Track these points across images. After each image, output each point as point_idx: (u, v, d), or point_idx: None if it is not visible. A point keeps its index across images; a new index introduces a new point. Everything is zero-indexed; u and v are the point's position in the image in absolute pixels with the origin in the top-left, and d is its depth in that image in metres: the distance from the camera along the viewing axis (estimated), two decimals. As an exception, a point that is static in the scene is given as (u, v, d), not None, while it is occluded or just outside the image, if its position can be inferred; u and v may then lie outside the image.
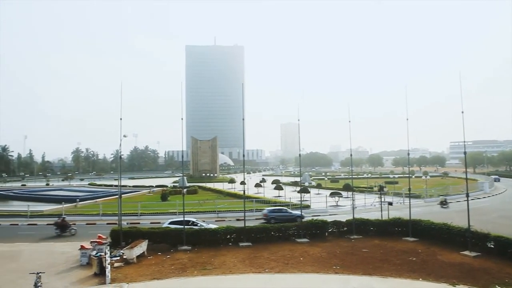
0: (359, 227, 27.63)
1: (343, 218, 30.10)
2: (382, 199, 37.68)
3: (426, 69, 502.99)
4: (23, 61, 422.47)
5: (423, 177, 74.96)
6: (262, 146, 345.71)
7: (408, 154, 31.25)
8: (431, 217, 28.80)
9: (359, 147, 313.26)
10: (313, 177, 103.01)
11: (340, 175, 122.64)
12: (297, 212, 34.14)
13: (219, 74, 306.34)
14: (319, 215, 34.28)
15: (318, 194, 56.98)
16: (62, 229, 30.70)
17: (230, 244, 25.16)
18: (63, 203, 46.19)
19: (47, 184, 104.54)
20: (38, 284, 16.51)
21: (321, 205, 44.73)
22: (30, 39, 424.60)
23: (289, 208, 38.92)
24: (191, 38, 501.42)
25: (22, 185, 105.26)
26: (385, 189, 53.75)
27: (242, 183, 45.83)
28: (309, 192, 52.47)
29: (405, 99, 27.85)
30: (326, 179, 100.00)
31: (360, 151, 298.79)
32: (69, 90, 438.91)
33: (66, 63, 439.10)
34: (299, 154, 35.20)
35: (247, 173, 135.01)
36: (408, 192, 33.98)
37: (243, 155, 36.51)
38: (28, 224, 38.19)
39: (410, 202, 30.07)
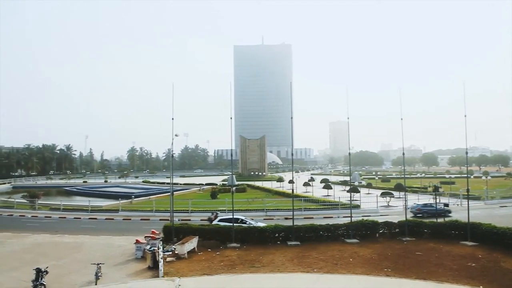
0: (412, 229, 26.47)
1: (394, 219, 29.05)
2: (437, 200, 35.89)
3: (484, 60, 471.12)
4: (81, 69, 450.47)
5: (484, 178, 70.27)
6: (311, 145, 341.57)
7: (466, 152, 29.39)
8: (492, 220, 26.89)
9: (412, 145, 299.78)
10: (363, 177, 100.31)
11: (391, 175, 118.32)
12: (446, 207, 34.94)
13: (267, 73, 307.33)
14: (369, 215, 33.29)
15: (368, 194, 55.40)
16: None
17: (279, 242, 25.20)
18: (119, 199, 48.87)
19: (105, 181, 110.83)
20: (99, 274, 17.68)
21: (372, 205, 43.43)
22: (85, 50, 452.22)
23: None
24: (239, 38, 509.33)
25: (84, 181, 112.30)
26: (440, 190, 51.14)
27: (291, 182, 45.75)
28: (359, 192, 51.18)
29: (462, 94, 26.31)
30: (376, 178, 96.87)
31: (413, 150, 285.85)
32: (125, 94, 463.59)
33: (120, 69, 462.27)
34: (349, 153, 34.45)
35: (296, 172, 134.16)
36: (466, 193, 32.02)
37: (292, 154, 36.48)
38: (89, 218, 40.87)
39: (468, 203, 28.27)
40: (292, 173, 36.07)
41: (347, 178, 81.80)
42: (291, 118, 31.45)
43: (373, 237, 26.29)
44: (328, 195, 54.91)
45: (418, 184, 70.26)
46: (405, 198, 33.37)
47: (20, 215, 44.25)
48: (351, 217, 27.02)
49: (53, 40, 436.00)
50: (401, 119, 28.50)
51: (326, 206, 44.21)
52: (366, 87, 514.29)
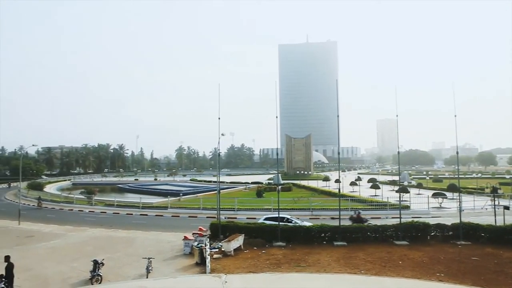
0: (467, 232, 25.02)
1: (447, 221, 27.65)
2: (496, 202, 33.68)
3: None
4: (134, 73, 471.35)
5: (549, 178, 65.01)
6: (358, 143, 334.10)
7: (529, 152, 27.31)
8: (559, 225, 24.80)
9: (466, 143, 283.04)
10: (412, 176, 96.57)
11: (444, 175, 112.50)
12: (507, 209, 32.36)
13: (313, 71, 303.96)
14: (419, 217, 31.99)
15: (419, 194, 53.12)
16: (359, 223, 28.32)
17: (324, 242, 24.90)
18: (168, 196, 50.63)
19: (155, 179, 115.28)
20: (150, 268, 18.47)
21: (422, 206, 41.61)
22: (136, 54, 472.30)
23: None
24: (283, 37, 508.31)
25: (135, 179, 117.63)
26: (499, 191, 47.93)
27: (337, 181, 44.99)
28: (408, 192, 49.16)
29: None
30: (427, 178, 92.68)
31: (468, 148, 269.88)
32: (174, 96, 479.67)
33: (170, 73, 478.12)
34: (398, 152, 33.26)
35: (342, 171, 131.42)
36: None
37: (338, 153, 35.84)
38: (140, 214, 42.76)
39: (532, 206, 26.31)
40: (339, 172, 35.36)
41: (396, 178, 78.91)
42: (337, 116, 30.82)
43: (424, 239, 25.20)
44: (375, 195, 53.43)
45: (473, 185, 66.32)
46: (459, 199, 31.66)
47: (79, 210, 47.39)
48: (400, 218, 26.10)
49: (106, 45, 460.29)
50: (455, 116, 27.06)
51: (374, 206, 43.02)
52: (416, 83, 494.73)
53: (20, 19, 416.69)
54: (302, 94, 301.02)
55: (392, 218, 33.73)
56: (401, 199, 36.23)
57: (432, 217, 35.95)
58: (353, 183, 66.77)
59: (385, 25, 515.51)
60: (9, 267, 16.15)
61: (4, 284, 15.58)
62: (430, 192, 50.08)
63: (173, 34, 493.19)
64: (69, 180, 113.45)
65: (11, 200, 60.48)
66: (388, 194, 51.18)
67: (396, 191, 49.90)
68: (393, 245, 24.05)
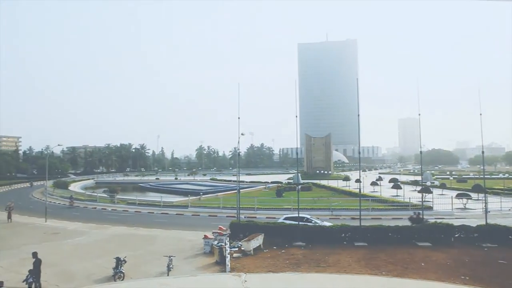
0: (494, 235, 24.30)
1: (472, 223, 26.96)
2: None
3: None
4: (154, 75, 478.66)
5: None
6: (378, 143, 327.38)
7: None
8: None
9: (492, 143, 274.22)
10: (435, 176, 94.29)
11: (468, 175, 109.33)
12: None
13: (332, 70, 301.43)
14: (443, 218, 31.29)
15: (442, 194, 51.84)
16: (418, 223, 27.49)
17: (345, 242, 24.68)
18: (189, 195, 51.15)
19: (176, 178, 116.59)
20: (170, 266, 18.75)
21: (446, 207, 40.62)
22: (157, 57, 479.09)
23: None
24: (302, 36, 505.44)
25: (156, 178, 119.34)
26: (528, 192, 46.29)
27: (357, 181, 44.50)
28: (431, 192, 48.08)
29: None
30: (451, 178, 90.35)
31: (494, 148, 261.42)
32: (195, 96, 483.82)
33: (188, 73, 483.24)
34: (420, 151, 32.65)
35: (362, 171, 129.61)
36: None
37: (359, 152, 35.39)
38: (161, 213, 43.38)
39: None
40: (359, 172, 34.99)
41: (418, 178, 77.42)
42: (358, 115, 30.46)
43: (447, 241, 24.62)
44: (397, 195, 52.46)
45: (500, 186, 64.33)
46: (485, 200, 30.83)
47: (102, 208, 48.49)
48: (422, 218, 25.58)
49: (128, 46, 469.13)
50: (480, 114, 26.41)
51: (395, 207, 42.31)
52: (439, 80, 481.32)
53: (42, 19, 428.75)
54: (322, 93, 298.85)
55: (415, 219, 33.04)
56: (423, 199, 35.55)
57: (456, 218, 35.04)
58: (374, 183, 65.83)
59: (407, 22, 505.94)
60: (37, 263, 16.71)
61: (32, 278, 16.14)
62: (454, 193, 48.85)
63: (193, 35, 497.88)
64: (92, 179, 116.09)
65: (38, 198, 62.39)
66: (410, 194, 50.21)
67: (419, 192, 48.98)
68: (415, 246, 23.62)
